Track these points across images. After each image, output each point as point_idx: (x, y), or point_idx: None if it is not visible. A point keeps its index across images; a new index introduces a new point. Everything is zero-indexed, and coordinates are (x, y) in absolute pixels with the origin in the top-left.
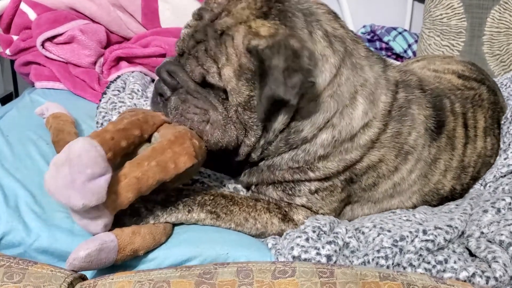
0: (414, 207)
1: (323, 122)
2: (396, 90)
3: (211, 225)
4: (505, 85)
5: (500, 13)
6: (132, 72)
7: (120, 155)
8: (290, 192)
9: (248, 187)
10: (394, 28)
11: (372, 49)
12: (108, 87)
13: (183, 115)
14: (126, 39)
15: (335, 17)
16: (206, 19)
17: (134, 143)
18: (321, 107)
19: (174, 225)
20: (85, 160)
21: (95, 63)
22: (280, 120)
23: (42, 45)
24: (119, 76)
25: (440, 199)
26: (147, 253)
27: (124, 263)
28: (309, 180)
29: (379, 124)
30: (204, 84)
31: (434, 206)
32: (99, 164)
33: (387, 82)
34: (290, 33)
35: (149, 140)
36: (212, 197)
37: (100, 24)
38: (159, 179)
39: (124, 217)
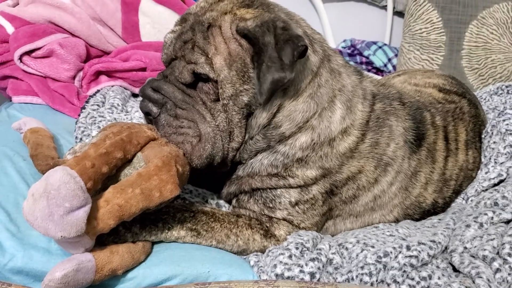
0: (396, 221)
1: (302, 121)
2: (373, 101)
3: (192, 243)
4: (484, 99)
5: (477, 28)
6: (112, 86)
7: (101, 182)
8: (270, 205)
9: (229, 200)
10: (374, 43)
11: (352, 63)
12: (87, 102)
13: (175, 132)
14: (106, 53)
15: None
16: (191, 21)
17: (117, 166)
18: (301, 106)
19: (154, 243)
20: (64, 193)
21: (74, 77)
22: (265, 116)
23: (20, 59)
24: (98, 91)
25: (422, 213)
26: (126, 272)
27: (102, 283)
28: (289, 187)
29: (357, 133)
30: (195, 83)
31: (417, 220)
32: (78, 197)
33: (363, 92)
34: (274, 16)
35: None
36: (192, 214)
37: (80, 38)
38: (142, 207)
39: (102, 236)
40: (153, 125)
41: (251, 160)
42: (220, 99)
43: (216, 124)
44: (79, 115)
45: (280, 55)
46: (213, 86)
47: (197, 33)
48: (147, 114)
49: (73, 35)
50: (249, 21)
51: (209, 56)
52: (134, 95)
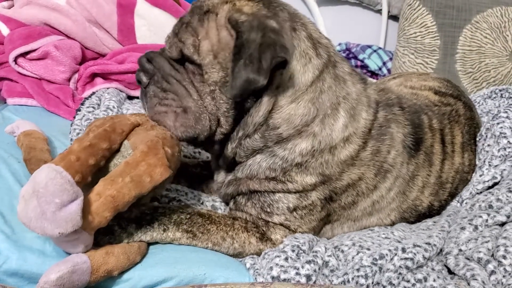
0: (393, 224)
1: (301, 124)
2: (376, 109)
3: (187, 245)
4: (478, 102)
5: (471, 32)
6: (107, 88)
7: (90, 174)
8: (268, 210)
9: (226, 201)
10: (369, 46)
11: None
12: (82, 104)
13: (160, 102)
14: (101, 55)
15: (321, 32)
16: (195, 5)
17: (105, 157)
18: (301, 111)
19: (150, 244)
20: (52, 189)
21: (69, 79)
22: (261, 114)
23: (15, 60)
24: (94, 93)
25: (418, 216)
26: (121, 273)
27: (97, 284)
28: (287, 192)
29: (359, 141)
30: (182, 60)
31: (412, 223)
32: (67, 191)
33: (368, 100)
34: (272, 15)
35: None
36: (188, 216)
37: (75, 40)
38: (135, 195)
39: (97, 236)
40: (145, 97)
41: (249, 162)
42: (207, 84)
43: (204, 105)
44: (74, 117)
45: (261, 57)
46: (198, 68)
47: (194, 15)
48: (139, 82)
49: (68, 37)
50: (244, 14)
51: (198, 38)
52: (130, 98)
